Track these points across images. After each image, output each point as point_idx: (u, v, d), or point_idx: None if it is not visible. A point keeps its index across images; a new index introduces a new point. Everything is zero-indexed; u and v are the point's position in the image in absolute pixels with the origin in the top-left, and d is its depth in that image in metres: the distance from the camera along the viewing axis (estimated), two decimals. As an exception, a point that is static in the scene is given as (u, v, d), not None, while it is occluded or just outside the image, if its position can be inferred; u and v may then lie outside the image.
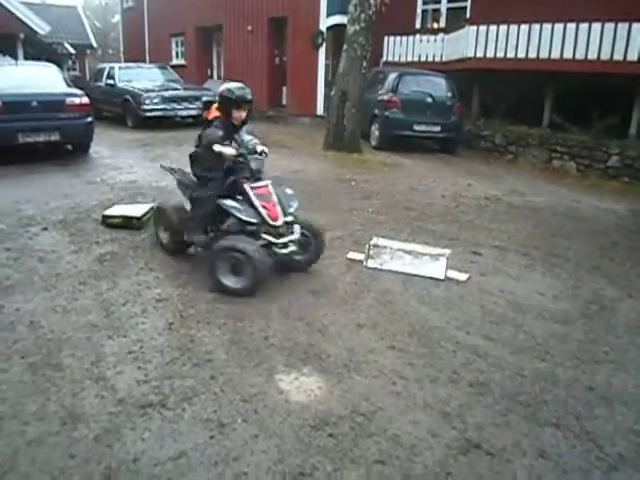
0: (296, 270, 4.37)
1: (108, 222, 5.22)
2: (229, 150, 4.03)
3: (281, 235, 4.05)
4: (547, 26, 10.46)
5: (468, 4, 12.66)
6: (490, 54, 11.29)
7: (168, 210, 4.56)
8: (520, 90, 10.87)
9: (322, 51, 14.40)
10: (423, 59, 13.68)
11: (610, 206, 7.64)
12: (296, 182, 6.80)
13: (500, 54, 11.16)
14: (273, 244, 4.02)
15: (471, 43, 11.54)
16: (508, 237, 5.75)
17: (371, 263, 4.62)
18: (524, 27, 10.77)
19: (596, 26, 9.87)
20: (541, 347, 3.49)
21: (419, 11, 14.26)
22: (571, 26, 10.16)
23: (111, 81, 13.22)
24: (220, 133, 4.02)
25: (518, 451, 2.53)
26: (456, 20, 12.87)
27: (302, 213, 6.02)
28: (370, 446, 2.49)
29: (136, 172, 7.70)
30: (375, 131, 11.08)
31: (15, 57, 14.08)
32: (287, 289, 4.10)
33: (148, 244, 4.87)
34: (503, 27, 11.06)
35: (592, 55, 9.98)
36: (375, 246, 4.76)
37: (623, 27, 9.57)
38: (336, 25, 13.89)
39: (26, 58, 14.95)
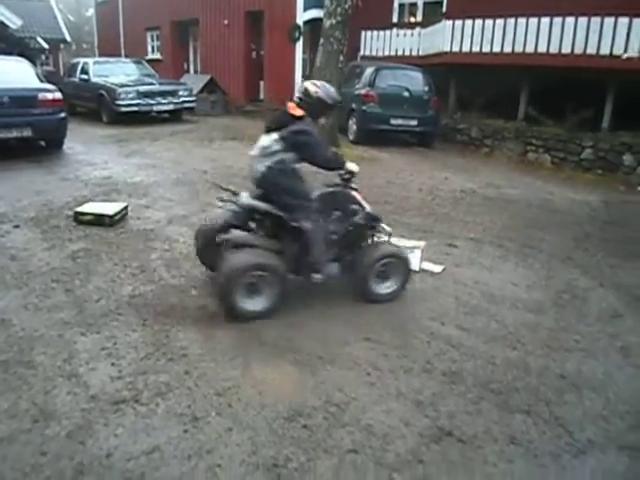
0: None
1: (80, 219, 5.15)
2: (355, 166, 3.77)
3: None
4: (522, 20, 10.56)
5: (444, -2, 12.75)
6: (466, 48, 11.37)
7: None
8: (496, 84, 10.96)
9: (299, 45, 14.35)
10: (400, 53, 13.72)
11: (584, 198, 7.77)
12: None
13: (476, 48, 11.23)
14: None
15: (447, 37, 11.61)
16: (483, 229, 5.82)
17: None
18: (499, 21, 10.86)
19: (569, 20, 9.98)
20: (513, 336, 3.55)
21: (396, 5, 14.29)
22: (545, 20, 10.27)
23: (85, 76, 12.99)
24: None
25: (489, 438, 2.58)
26: (433, 14, 12.93)
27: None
28: (343, 436, 2.51)
29: (111, 168, 7.61)
30: (352, 125, 11.10)
31: (-15, 52, 13.76)
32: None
33: (122, 240, 4.83)
34: (479, 21, 11.13)
35: (566, 49, 10.09)
36: None
37: (596, 21, 9.69)
38: (313, 19, 13.85)
39: (-3, 53, 14.63)
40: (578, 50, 9.96)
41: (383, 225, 3.95)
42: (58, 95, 8.08)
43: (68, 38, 24.45)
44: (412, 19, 14.14)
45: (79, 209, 5.28)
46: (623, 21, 9.39)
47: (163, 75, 14.88)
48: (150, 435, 2.46)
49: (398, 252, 3.93)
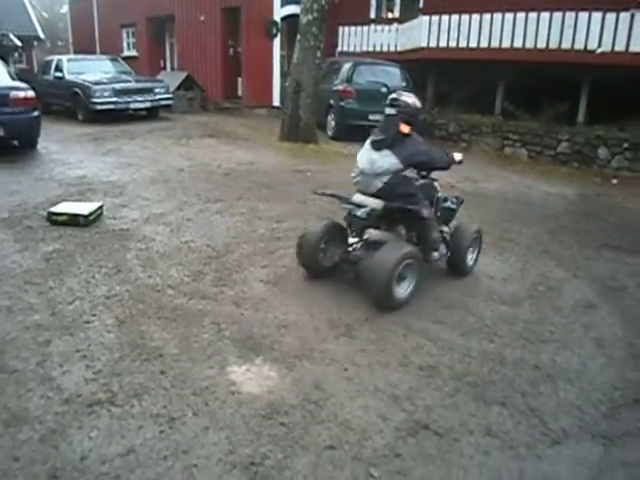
0: None
1: (54, 219, 5.06)
2: (460, 156, 4.38)
3: None
4: (497, 16, 10.66)
5: (421, -6, 12.80)
6: (443, 44, 11.44)
7: None
8: (473, 79, 11.05)
9: (277, 41, 14.30)
10: (378, 49, 13.76)
11: (559, 191, 7.87)
12: (251, 174, 6.79)
13: (453, 44, 11.31)
14: None
15: (424, 33, 11.67)
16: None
17: None
18: (475, 17, 10.94)
19: (545, 15, 10.10)
20: (489, 329, 3.58)
21: (373, 1, 14.32)
22: (520, 15, 10.38)
23: (59, 74, 12.76)
24: None
25: (465, 430, 2.60)
26: (410, 10, 12.96)
27: (255, 204, 6.01)
28: (321, 432, 2.51)
29: (86, 167, 7.49)
30: (331, 121, 11.10)
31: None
32: (240, 280, 4.09)
33: (97, 240, 4.76)
34: (455, 17, 11.21)
35: (541, 44, 10.22)
36: None
37: (570, 16, 9.82)
38: (290, 15, 13.79)
39: (-32, 51, 14.32)
40: (553, 45, 10.09)
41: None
42: (31, 93, 7.92)
43: (42, 35, 23.93)
44: (390, 15, 14.17)
45: (53, 209, 5.19)
46: (596, 16, 9.55)
47: (139, 72, 14.69)
48: (125, 437, 2.43)
49: (480, 229, 4.60)
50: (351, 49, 14.41)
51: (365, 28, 14.14)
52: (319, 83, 10.16)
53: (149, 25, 17.54)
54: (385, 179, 3.79)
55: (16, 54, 21.73)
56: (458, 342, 3.38)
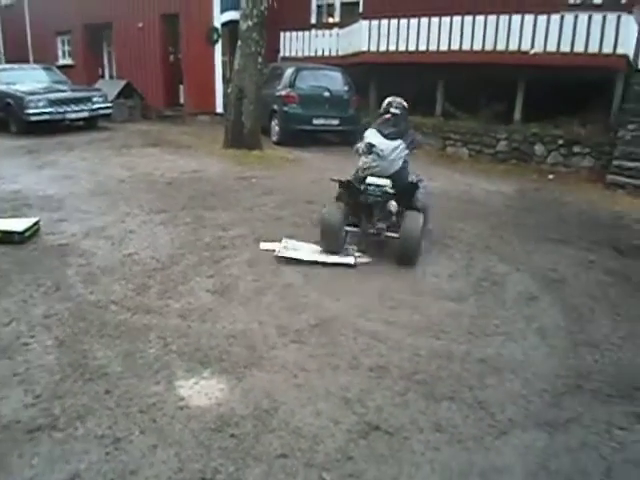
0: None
1: (-14, 237, 4.82)
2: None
3: None
4: (435, 19, 10.90)
5: (360, -1, 12.96)
6: (383, 47, 11.61)
7: None
8: (414, 82, 11.26)
9: (218, 48, 14.12)
10: (320, 54, 13.82)
11: (499, 188, 8.13)
12: (195, 182, 6.69)
13: (392, 47, 11.50)
14: None
15: (364, 37, 11.81)
16: (406, 223, 5.96)
17: (282, 254, 4.67)
18: (413, 21, 11.16)
19: (480, 18, 10.41)
20: (436, 326, 3.65)
21: (314, 6, 14.36)
22: (457, 19, 10.66)
23: (-10, 84, 12.21)
24: None
25: (415, 428, 2.63)
26: (350, 15, 13.10)
27: (200, 213, 5.92)
28: (272, 441, 2.48)
29: (21, 181, 7.16)
30: (275, 127, 11.08)
31: None
32: (186, 291, 4.01)
33: (34, 258, 4.56)
34: (394, 21, 11.39)
35: (477, 46, 10.53)
36: (285, 248, 4.83)
37: (504, 19, 10.17)
38: (231, 21, 13.67)
39: None
40: (489, 47, 10.42)
41: None
42: (-43, 106, 7.54)
43: (-31, 44, 22.88)
44: (330, 20, 14.26)
45: (-16, 227, 4.94)
46: (529, 18, 9.92)
47: (76, 81, 14.19)
48: (69, 462, 2.33)
49: None
50: (293, 54, 14.42)
51: (306, 33, 14.18)
52: (262, 89, 10.12)
53: (86, 32, 17.02)
54: (401, 163, 4.81)
55: (-59, 64, 20.67)
56: (407, 341, 3.42)
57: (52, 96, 11.52)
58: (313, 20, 14.35)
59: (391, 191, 4.66)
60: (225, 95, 13.03)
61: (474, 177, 8.81)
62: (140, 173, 7.89)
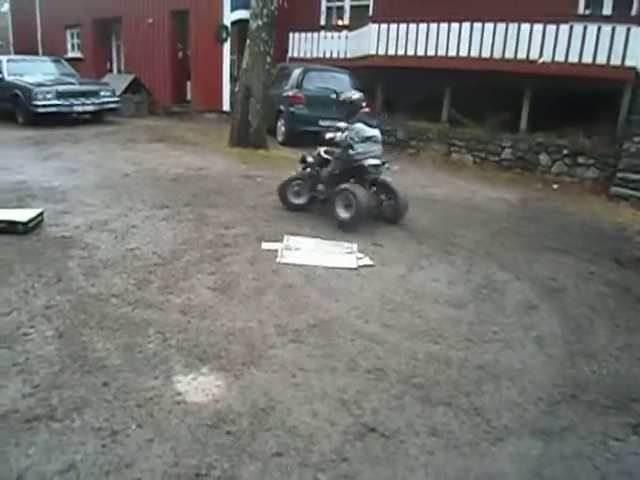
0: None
1: (-10, 227, 4.84)
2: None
3: None
4: (444, 25, 10.92)
5: (370, 2, 12.99)
6: (391, 51, 11.62)
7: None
8: (421, 87, 11.28)
9: (227, 46, 14.17)
10: (328, 55, 13.85)
11: (502, 196, 8.14)
12: (199, 179, 6.70)
13: (400, 52, 11.51)
14: None
15: (373, 40, 11.82)
16: (408, 228, 5.96)
17: (284, 260, 4.66)
18: (422, 26, 11.18)
19: (489, 26, 10.42)
20: (435, 331, 3.65)
21: (324, 8, 14.42)
22: (466, 25, 10.67)
23: (-2, 75, 12.28)
24: None
25: (411, 431, 2.64)
26: (359, 18, 13.13)
27: (203, 210, 5.93)
28: (268, 440, 2.49)
29: (26, 172, 7.19)
30: (281, 127, 11.10)
31: None
32: (187, 287, 4.02)
33: (37, 249, 4.57)
34: (403, 26, 11.41)
35: (485, 53, 10.54)
36: (287, 248, 4.88)
37: (513, 27, 10.18)
38: (241, 20, 13.72)
39: None
40: (497, 54, 10.42)
41: None
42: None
43: (-21, 35, 22.98)
44: (340, 22, 14.30)
45: (-12, 216, 4.96)
46: (538, 27, 9.93)
47: (84, 75, 14.28)
48: (65, 452, 2.35)
49: None
50: (301, 55, 14.46)
51: (315, 34, 14.21)
52: (269, 89, 10.15)
53: (95, 26, 17.09)
54: (381, 145, 6.06)
55: (-49, 54, 20.73)
56: (405, 345, 3.43)
57: (60, 88, 11.58)
58: (322, 22, 14.40)
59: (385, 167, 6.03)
60: (232, 93, 13.07)
61: (478, 184, 8.82)
62: (145, 168, 7.91)
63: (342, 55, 13.56)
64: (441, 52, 11.03)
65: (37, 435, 2.44)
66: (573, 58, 9.66)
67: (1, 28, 32.35)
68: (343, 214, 5.65)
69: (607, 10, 10.44)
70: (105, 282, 4.01)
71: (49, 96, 11.31)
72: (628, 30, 9.17)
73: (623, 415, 2.92)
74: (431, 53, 11.15)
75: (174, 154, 9.22)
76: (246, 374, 2.99)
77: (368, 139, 5.82)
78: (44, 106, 11.24)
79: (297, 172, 6.34)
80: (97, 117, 12.44)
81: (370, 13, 12.38)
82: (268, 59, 9.78)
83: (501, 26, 10.31)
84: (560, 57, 9.78)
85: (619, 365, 3.45)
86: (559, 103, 9.14)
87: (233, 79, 13.85)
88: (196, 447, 2.42)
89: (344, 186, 5.70)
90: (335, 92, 10.88)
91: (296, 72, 11.19)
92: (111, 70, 17.49)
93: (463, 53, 10.78)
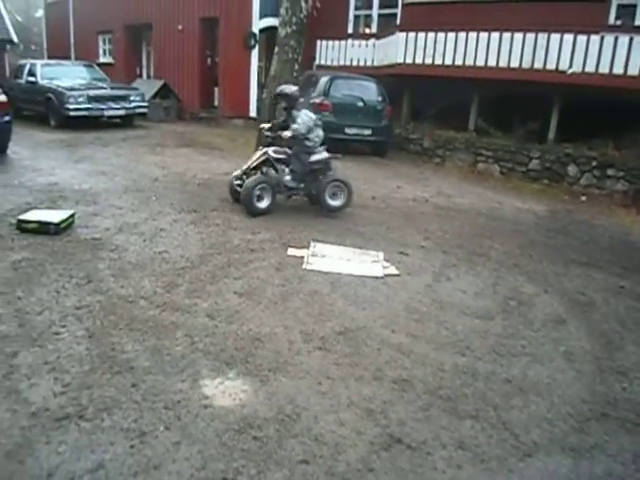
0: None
1: (23, 227, 4.95)
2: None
3: None
4: (472, 35, 10.87)
5: (398, 11, 12.98)
6: (419, 60, 11.60)
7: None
8: (448, 95, 11.24)
9: (255, 53, 14.33)
10: (355, 63, 13.90)
11: (530, 207, 8.04)
12: (226, 184, 6.75)
13: (428, 60, 11.49)
14: None
15: (401, 49, 11.82)
16: (434, 237, 5.94)
17: (311, 266, 4.68)
18: (451, 35, 11.14)
19: (518, 36, 10.35)
20: (462, 343, 3.62)
21: (351, 16, 14.47)
22: (495, 35, 10.62)
23: (32, 78, 12.57)
24: None
25: (438, 444, 2.61)
26: (387, 26, 13.15)
27: (230, 215, 5.96)
28: (294, 447, 2.50)
29: (58, 174, 7.35)
30: (308, 134, 11.12)
31: None
32: (214, 291, 4.05)
33: (68, 249, 4.66)
34: (431, 34, 11.39)
35: (514, 63, 10.46)
36: (313, 254, 4.92)
37: (543, 37, 10.09)
38: (269, 27, 13.86)
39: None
40: (526, 64, 10.34)
41: None
42: (2, 98, 7.79)
43: (15, 39, 23.55)
44: (367, 30, 14.34)
45: (22, 217, 5.07)
46: (568, 38, 9.83)
47: (115, 79, 14.54)
48: (94, 452, 2.38)
49: None
50: (328, 63, 14.53)
51: (343, 42, 14.28)
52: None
53: (126, 32, 17.41)
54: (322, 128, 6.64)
55: (-13, 57, 21.29)
56: (431, 356, 3.41)
57: (92, 93, 11.81)
58: (350, 30, 14.45)
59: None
60: (259, 100, 13.16)
61: (505, 195, 8.73)
62: (173, 172, 8.02)
63: (369, 63, 13.60)
64: (469, 61, 10.97)
65: (67, 434, 2.48)
66: (604, 69, 9.53)
67: (35, 33, 33.24)
68: (333, 202, 6.36)
69: (639, 21, 10.28)
70: (134, 284, 4.07)
71: (81, 100, 11.54)
72: (660, 41, 9.02)
73: (655, 435, 2.86)
74: (459, 62, 11.10)
75: (202, 159, 9.33)
76: (272, 380, 3.00)
77: (317, 126, 6.35)
78: (76, 110, 11.47)
79: (256, 176, 6.25)
80: (126, 121, 12.65)
81: (398, 22, 12.37)
82: (296, 66, 9.83)
83: (530, 36, 10.23)
84: (590, 68, 9.66)
85: (651, 383, 3.37)
86: (588, 114, 9.02)
87: (260, 86, 13.97)
88: (223, 451, 2.43)
89: (331, 177, 6.38)
90: (362, 100, 10.92)
91: (323, 80, 11.24)
92: (141, 75, 17.78)
93: (491, 63, 10.71)
